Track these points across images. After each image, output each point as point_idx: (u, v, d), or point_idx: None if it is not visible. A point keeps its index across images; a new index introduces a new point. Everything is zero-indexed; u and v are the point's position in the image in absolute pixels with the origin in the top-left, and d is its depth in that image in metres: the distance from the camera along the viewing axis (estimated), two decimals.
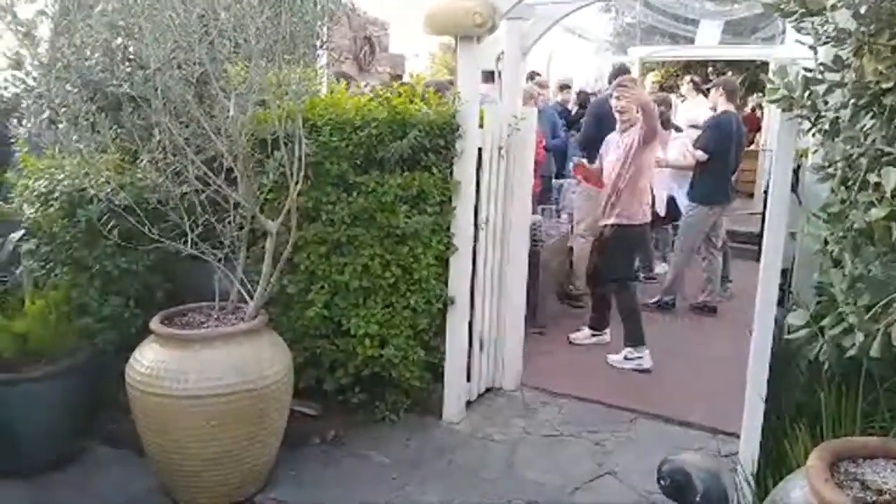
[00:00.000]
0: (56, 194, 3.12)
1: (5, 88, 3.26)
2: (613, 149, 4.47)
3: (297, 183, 2.82)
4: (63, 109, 2.77)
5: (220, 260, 2.87)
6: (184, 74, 2.67)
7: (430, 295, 3.32)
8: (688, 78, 7.53)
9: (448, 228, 3.35)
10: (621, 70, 6.21)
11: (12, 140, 3.41)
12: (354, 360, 3.27)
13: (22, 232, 3.48)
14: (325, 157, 3.15)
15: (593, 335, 4.70)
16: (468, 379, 3.62)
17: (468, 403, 3.63)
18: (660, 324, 5.08)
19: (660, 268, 6.40)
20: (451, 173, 3.33)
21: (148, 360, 2.65)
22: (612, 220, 4.35)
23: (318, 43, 3.08)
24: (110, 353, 3.11)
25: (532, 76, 8.17)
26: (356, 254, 3.21)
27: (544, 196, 5.91)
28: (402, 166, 3.25)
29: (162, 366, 2.61)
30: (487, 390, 3.85)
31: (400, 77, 9.43)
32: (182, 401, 2.56)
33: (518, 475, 3.05)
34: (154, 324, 2.74)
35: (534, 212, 4.94)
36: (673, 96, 8.00)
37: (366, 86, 4.25)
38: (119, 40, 3.02)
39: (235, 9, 2.65)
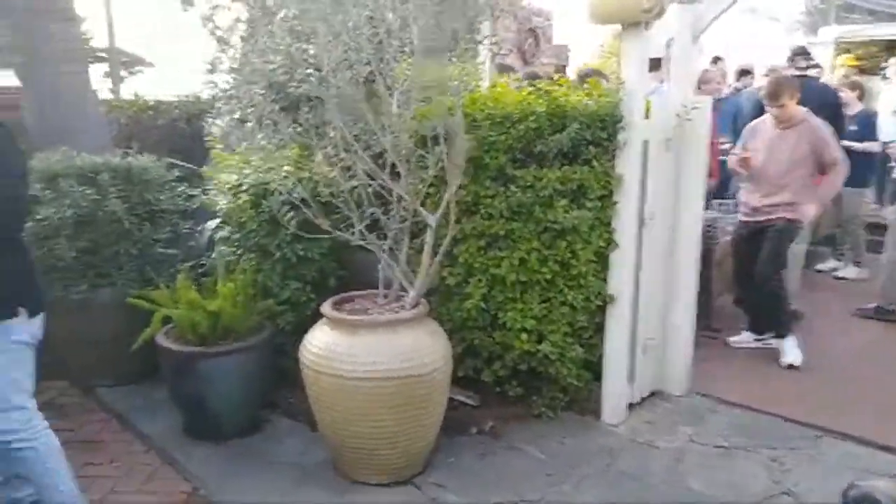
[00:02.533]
0: (244, 187, 3.45)
1: (203, 92, 3.66)
2: (763, 138, 4.20)
3: (456, 177, 2.87)
4: (250, 109, 3.04)
5: (384, 250, 3.01)
6: (354, 74, 2.82)
7: (588, 292, 3.23)
8: (894, 60, 6.67)
9: (609, 224, 3.23)
10: (799, 52, 5.65)
11: (208, 138, 3.82)
12: (511, 354, 3.28)
13: (217, 221, 3.89)
14: (484, 151, 3.17)
15: (756, 339, 4.34)
16: (630, 380, 3.48)
17: (630, 406, 3.50)
18: (874, 333, 4.55)
19: (848, 270, 5.80)
20: (614, 166, 3.21)
21: (319, 341, 2.85)
22: (780, 215, 4.11)
23: (480, 38, 3.11)
24: (289, 333, 3.39)
25: (715, 61, 7.65)
26: (513, 248, 3.21)
27: (721, 190, 5.52)
28: (561, 160, 3.19)
29: (331, 348, 2.79)
30: (651, 394, 3.68)
31: (564, 68, 9.28)
32: (349, 382, 2.71)
33: (682, 484, 2.89)
34: (325, 308, 2.93)
35: (710, 207, 4.64)
36: (874, 79, 7.13)
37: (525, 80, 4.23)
38: (298, 44, 3.25)
39: (401, 9, 2.75)
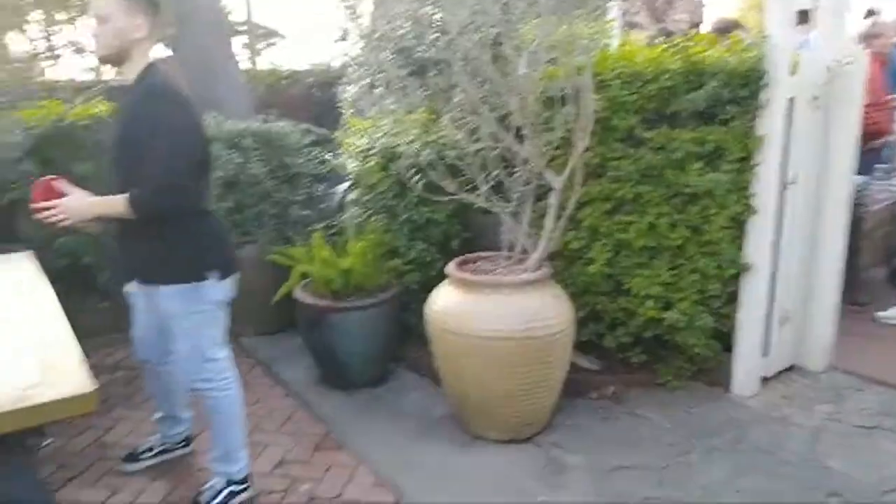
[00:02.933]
0: (373, 151, 3.57)
1: (334, 60, 3.81)
2: None
3: (583, 139, 2.82)
4: (380, 75, 3.13)
5: (508, 213, 3.02)
6: (480, 37, 2.82)
7: (721, 259, 3.09)
8: None
9: (746, 188, 3.06)
10: None
11: (339, 104, 3.98)
12: (635, 321, 3.22)
13: (348, 183, 4.07)
14: (613, 112, 3.08)
15: None
16: (765, 353, 3.31)
17: (763, 380, 3.34)
18: None
19: None
20: (755, 126, 3.02)
21: (443, 300, 2.93)
22: None
23: None
24: (414, 292, 3.51)
25: (869, 14, 6.90)
26: (642, 212, 3.12)
27: (879, 155, 5.02)
28: (696, 120, 3.05)
29: (455, 307, 2.86)
30: (788, 368, 3.48)
31: (698, 25, 8.73)
32: (472, 340, 2.78)
33: (820, 463, 2.73)
34: (450, 268, 3.00)
35: (865, 172, 4.25)
36: None
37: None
38: (425, 9, 3.29)
39: None
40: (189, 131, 2.21)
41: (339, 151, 4.07)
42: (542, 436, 2.97)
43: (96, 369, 2.43)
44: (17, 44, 7.28)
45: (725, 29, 4.42)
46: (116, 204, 2.19)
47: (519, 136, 2.93)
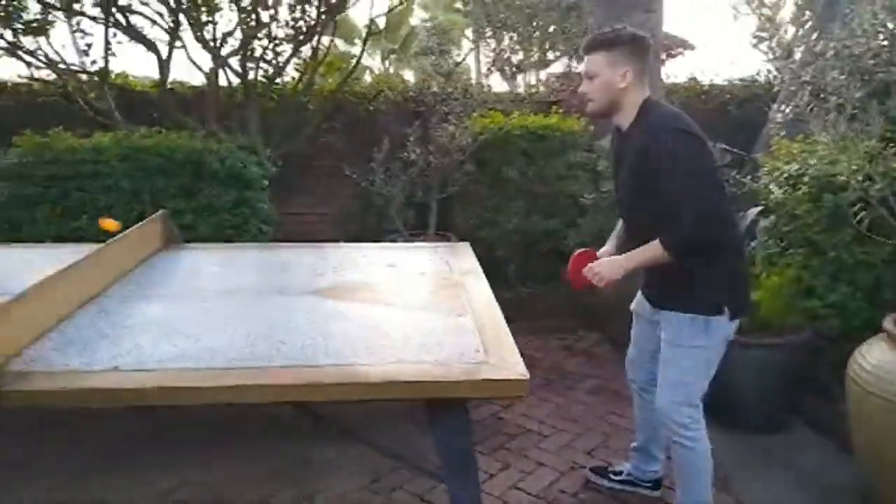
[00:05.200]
0: (805, 178, 3.26)
1: (759, 75, 3.55)
2: None
3: None
4: (833, 98, 2.84)
5: None
6: None
7: None
8: None
9: None
10: None
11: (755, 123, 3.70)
12: None
13: (759, 209, 3.80)
14: None
15: None
16: None
17: None
18: None
19: None
20: None
21: (875, 359, 2.54)
22: None
23: None
24: (830, 340, 3.12)
25: None
26: None
27: None
28: None
29: (889, 367, 2.46)
30: None
31: None
32: None
33: None
34: (888, 323, 2.59)
35: None
36: None
37: None
38: None
39: None
40: (707, 159, 2.15)
41: (758, 175, 3.82)
42: None
43: None
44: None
45: None
46: (650, 253, 2.17)
47: None
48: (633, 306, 2.55)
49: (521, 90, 6.69)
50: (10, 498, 2.70)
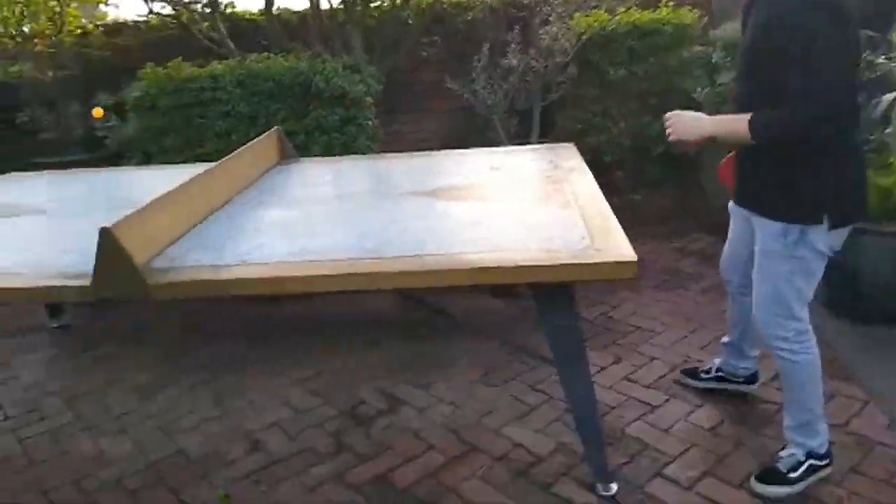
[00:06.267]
0: None
1: None
2: None
3: None
4: None
5: None
6: None
7: None
8: None
9: None
10: None
11: None
12: None
13: (894, 95, 3.45)
14: None
15: None
16: None
17: None
18: None
19: None
20: None
21: None
22: None
23: None
24: None
25: None
26: None
27: None
28: None
29: None
30: None
31: None
32: None
33: None
34: None
35: None
36: None
37: None
38: None
39: None
40: (850, 45, 1.86)
41: (893, 56, 3.46)
42: None
43: None
44: None
45: None
46: (737, 125, 1.95)
47: None
48: (730, 205, 2.36)
49: None
50: (172, 384, 3.06)
